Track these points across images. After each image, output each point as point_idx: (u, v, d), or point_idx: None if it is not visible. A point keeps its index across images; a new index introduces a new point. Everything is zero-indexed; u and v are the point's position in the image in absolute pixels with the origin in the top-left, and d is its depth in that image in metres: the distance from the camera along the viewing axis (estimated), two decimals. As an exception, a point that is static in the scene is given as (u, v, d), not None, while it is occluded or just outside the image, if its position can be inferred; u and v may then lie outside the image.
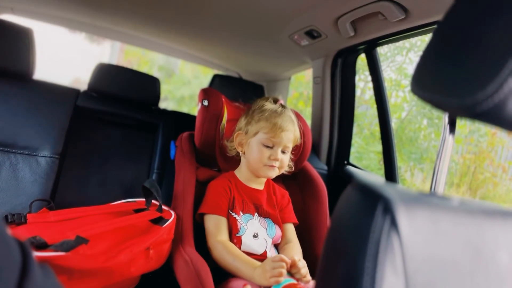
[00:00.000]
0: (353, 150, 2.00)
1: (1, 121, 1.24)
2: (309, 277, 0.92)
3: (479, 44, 0.36)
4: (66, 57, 6.78)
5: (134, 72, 1.65)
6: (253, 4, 1.31)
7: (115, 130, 1.57)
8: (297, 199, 1.28)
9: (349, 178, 1.61)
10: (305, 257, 1.04)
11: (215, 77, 1.99)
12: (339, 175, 1.72)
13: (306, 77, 4.42)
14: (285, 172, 1.16)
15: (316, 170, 1.33)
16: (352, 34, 1.31)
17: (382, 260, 0.31)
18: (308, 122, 1.34)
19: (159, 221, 1.01)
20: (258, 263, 0.94)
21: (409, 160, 3.58)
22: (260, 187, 1.16)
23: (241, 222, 1.06)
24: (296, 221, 1.17)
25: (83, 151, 1.45)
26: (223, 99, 1.23)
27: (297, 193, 1.31)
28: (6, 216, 0.90)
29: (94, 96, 1.55)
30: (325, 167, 1.74)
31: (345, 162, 1.75)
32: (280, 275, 0.85)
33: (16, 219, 0.89)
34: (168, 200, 1.17)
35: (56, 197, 1.31)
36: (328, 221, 1.23)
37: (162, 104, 4.89)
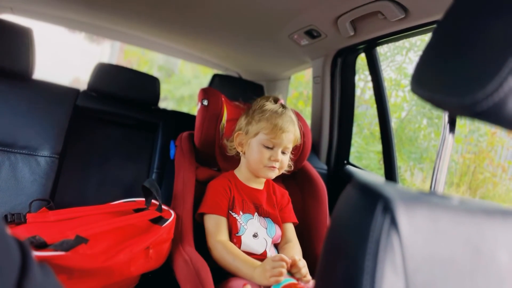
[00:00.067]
0: (353, 150, 2.01)
1: (0, 121, 1.24)
2: (309, 277, 0.92)
3: (479, 43, 0.36)
4: (65, 57, 6.78)
5: (134, 71, 1.64)
6: (253, 3, 1.31)
7: (115, 130, 1.57)
8: (297, 199, 1.28)
9: (349, 178, 1.61)
10: (305, 256, 1.04)
11: (215, 76, 1.99)
12: (339, 175, 1.72)
13: (306, 77, 4.42)
14: (285, 172, 1.15)
15: (316, 170, 1.33)
16: (351, 33, 1.31)
17: (382, 259, 0.31)
18: (308, 122, 1.34)
19: (158, 220, 1.01)
20: (258, 262, 0.94)
21: (409, 159, 3.58)
22: (260, 186, 1.16)
23: (241, 222, 1.06)
24: (296, 220, 1.17)
25: (82, 151, 1.45)
26: (223, 99, 1.23)
27: (297, 192, 1.31)
28: (5, 216, 0.90)
29: (94, 95, 1.55)
30: (325, 167, 1.74)
31: (345, 161, 1.75)
32: (280, 274, 0.85)
33: (16, 219, 0.89)
34: (168, 199, 1.17)
35: (56, 196, 1.31)
36: (328, 221, 1.23)
37: (162, 104, 4.89)
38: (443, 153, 0.55)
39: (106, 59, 7.23)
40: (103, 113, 1.55)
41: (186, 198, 1.10)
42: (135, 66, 6.16)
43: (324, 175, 1.68)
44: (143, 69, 6.38)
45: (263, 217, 1.11)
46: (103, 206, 1.05)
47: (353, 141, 1.81)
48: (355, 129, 1.89)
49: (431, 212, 0.34)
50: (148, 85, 1.63)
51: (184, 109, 6.25)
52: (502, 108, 0.34)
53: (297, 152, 1.24)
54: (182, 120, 1.69)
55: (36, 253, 0.73)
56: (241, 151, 1.14)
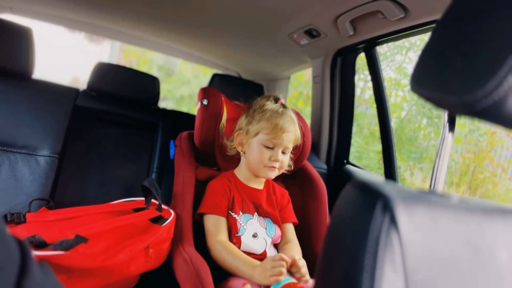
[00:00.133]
0: (352, 149, 2.01)
1: (0, 121, 1.24)
2: (308, 277, 0.92)
3: (478, 42, 0.36)
4: (65, 56, 6.77)
5: (134, 71, 1.64)
6: (252, 3, 1.31)
7: (115, 130, 1.57)
8: (297, 199, 1.28)
9: (349, 177, 1.61)
10: (304, 256, 1.04)
11: (215, 76, 1.99)
12: (338, 175, 1.72)
13: (306, 77, 4.42)
14: (284, 171, 1.15)
15: (315, 169, 1.33)
16: (351, 33, 1.31)
17: (382, 257, 0.31)
18: (308, 122, 1.34)
19: (158, 220, 1.01)
20: (258, 262, 0.94)
21: (409, 159, 3.58)
22: (260, 186, 1.16)
23: (240, 222, 1.06)
24: (296, 220, 1.17)
25: (82, 151, 1.45)
26: (223, 98, 1.23)
27: (297, 192, 1.31)
28: (5, 215, 0.89)
29: (94, 95, 1.55)
30: (325, 166, 1.74)
31: (345, 161, 1.75)
32: (280, 274, 0.85)
33: (16, 218, 0.89)
34: (168, 199, 1.17)
35: (56, 196, 1.31)
36: (327, 220, 1.23)
37: (162, 104, 4.89)
38: (443, 152, 0.55)
39: (105, 59, 7.22)
40: (102, 113, 1.55)
41: (186, 197, 1.10)
42: (134, 66, 6.15)
43: (324, 175, 1.68)
44: (143, 68, 6.37)
45: (263, 217, 1.11)
46: (103, 205, 1.05)
47: (353, 141, 1.81)
48: (355, 128, 1.89)
49: (430, 210, 0.34)
50: (147, 84, 1.63)
51: (184, 108, 6.25)
52: (502, 107, 0.34)
53: (297, 152, 1.24)
54: (181, 120, 1.69)
55: (35, 253, 0.73)
56: (241, 151, 1.14)
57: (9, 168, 1.21)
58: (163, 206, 1.07)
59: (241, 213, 1.07)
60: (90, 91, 1.55)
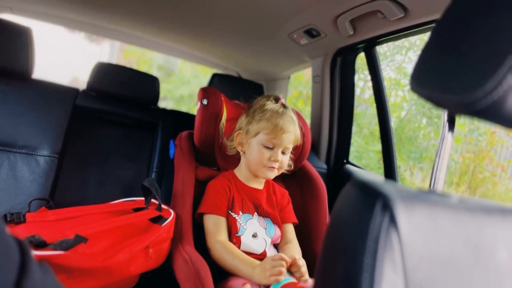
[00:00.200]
0: (352, 149, 2.01)
1: (0, 120, 1.24)
2: (307, 276, 0.92)
3: (478, 41, 0.36)
4: (65, 56, 6.77)
5: (134, 71, 1.64)
6: (252, 3, 1.31)
7: (114, 129, 1.57)
8: (297, 198, 1.28)
9: (349, 177, 1.61)
10: (304, 256, 1.04)
11: (214, 76, 1.99)
12: (338, 174, 1.72)
13: (306, 76, 4.42)
14: (284, 171, 1.15)
15: (315, 169, 1.33)
16: (351, 32, 1.31)
17: (381, 257, 0.31)
18: (308, 121, 1.34)
19: (158, 220, 1.01)
20: (258, 262, 0.94)
21: (409, 159, 3.58)
22: (260, 186, 1.16)
23: (240, 222, 1.06)
24: (296, 220, 1.17)
25: (82, 150, 1.45)
26: (223, 98, 1.23)
27: (297, 192, 1.31)
28: (5, 215, 0.89)
29: (93, 95, 1.54)
30: (325, 166, 1.74)
31: (345, 161, 1.75)
32: (280, 273, 0.85)
33: (15, 218, 0.89)
34: (168, 199, 1.17)
35: (55, 196, 1.31)
36: (327, 220, 1.23)
37: (162, 103, 4.89)
38: (443, 151, 0.55)
39: (105, 59, 7.22)
40: (102, 113, 1.55)
41: (186, 197, 1.10)
42: (134, 66, 6.15)
43: (323, 175, 1.68)
44: (143, 68, 6.37)
45: (263, 217, 1.11)
46: (103, 205, 1.05)
47: (352, 141, 1.81)
48: (354, 128, 1.89)
49: (430, 210, 0.34)
50: (147, 84, 1.63)
51: (184, 108, 6.25)
52: (501, 106, 0.33)
53: (297, 152, 1.24)
54: (181, 120, 1.69)
55: (35, 253, 0.73)
56: (241, 151, 1.14)
57: (9, 168, 1.21)
58: (163, 206, 1.07)
59: (241, 213, 1.07)
60: (90, 91, 1.55)
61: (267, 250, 1.05)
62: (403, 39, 3.03)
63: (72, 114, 1.38)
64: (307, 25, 1.40)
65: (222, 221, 1.05)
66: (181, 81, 6.64)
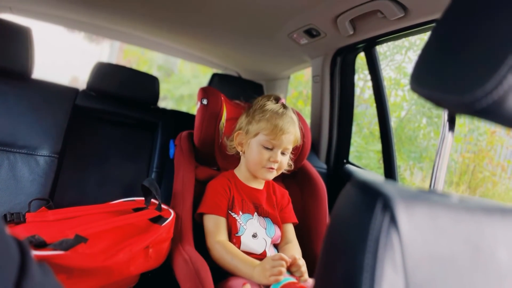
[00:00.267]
0: (352, 149, 2.01)
1: None
2: (306, 276, 0.92)
3: (478, 41, 0.36)
4: (65, 56, 6.77)
5: (133, 71, 1.64)
6: (252, 3, 1.31)
7: (114, 129, 1.57)
8: (297, 198, 1.28)
9: (349, 177, 1.61)
10: (304, 256, 1.04)
11: (214, 76, 1.98)
12: (338, 174, 1.72)
13: (306, 76, 4.42)
14: (284, 171, 1.15)
15: (315, 169, 1.33)
16: (351, 32, 1.31)
17: (382, 257, 0.31)
18: (308, 121, 1.34)
19: (158, 220, 1.01)
20: (258, 262, 0.94)
21: (409, 159, 3.58)
22: (260, 186, 1.16)
23: (240, 222, 1.05)
24: (296, 220, 1.16)
25: (82, 150, 1.45)
26: (222, 98, 1.23)
27: (297, 192, 1.30)
28: (5, 215, 0.89)
29: (93, 95, 1.54)
30: (325, 166, 1.74)
31: (345, 161, 1.75)
32: (280, 273, 0.85)
33: (15, 218, 0.89)
34: (167, 199, 1.17)
35: (55, 196, 1.31)
36: (327, 220, 1.23)
37: (161, 103, 4.89)
38: (443, 151, 0.55)
39: (105, 59, 7.22)
40: (102, 113, 1.55)
41: (186, 197, 1.10)
42: (134, 66, 6.14)
43: (323, 174, 1.68)
44: (143, 68, 6.37)
45: (263, 217, 1.11)
46: (103, 205, 1.05)
47: (352, 141, 1.81)
48: (354, 128, 1.89)
49: (430, 210, 0.34)
50: (147, 84, 1.63)
51: (184, 108, 6.25)
52: (502, 106, 0.33)
53: (297, 152, 1.24)
54: (181, 120, 1.69)
55: (35, 253, 0.73)
56: (241, 151, 1.14)
57: (8, 168, 1.21)
58: (162, 205, 1.07)
59: (241, 213, 1.07)
60: (90, 91, 1.55)
61: (267, 250, 1.05)
62: (403, 39, 3.03)
63: (72, 114, 1.38)
64: (307, 25, 1.40)
65: (222, 221, 1.04)
66: (181, 81, 6.64)
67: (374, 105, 1.56)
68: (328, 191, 1.28)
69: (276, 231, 1.10)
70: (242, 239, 1.03)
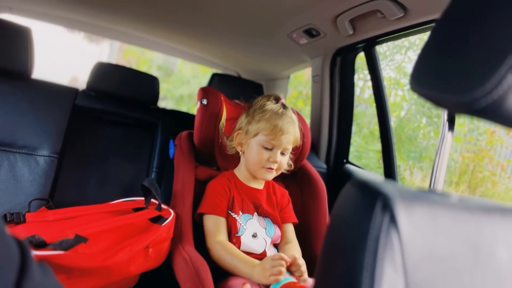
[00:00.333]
0: (352, 149, 2.01)
1: None
2: (306, 276, 0.92)
3: (478, 41, 0.36)
4: (65, 56, 6.77)
5: (133, 71, 1.64)
6: (252, 2, 1.31)
7: (114, 129, 1.57)
8: (297, 198, 1.28)
9: (348, 177, 1.61)
10: (304, 256, 1.04)
11: (214, 76, 1.98)
12: (338, 174, 1.72)
13: (305, 76, 4.42)
14: (284, 171, 1.15)
15: (315, 169, 1.33)
16: (351, 32, 1.31)
17: (382, 256, 0.31)
18: (307, 121, 1.34)
19: (158, 219, 1.01)
20: (257, 261, 0.94)
21: (408, 158, 3.58)
22: (260, 186, 1.16)
23: (240, 222, 1.05)
24: (296, 220, 1.16)
25: (82, 150, 1.45)
26: (222, 98, 1.23)
27: (297, 192, 1.30)
28: (5, 215, 0.89)
29: (93, 95, 1.54)
30: (325, 166, 1.75)
31: (344, 160, 1.75)
32: (280, 273, 0.85)
33: (15, 218, 0.89)
34: (167, 199, 1.17)
35: (55, 196, 1.31)
36: (327, 220, 1.23)
37: (161, 103, 4.89)
38: (442, 151, 0.55)
39: (105, 59, 7.22)
40: (102, 113, 1.55)
41: (186, 197, 1.10)
42: (134, 66, 6.14)
43: (323, 174, 1.68)
44: (142, 68, 6.37)
45: (263, 217, 1.11)
46: (103, 205, 1.05)
47: (352, 140, 1.81)
48: (354, 128, 1.89)
49: (430, 209, 0.34)
50: (147, 84, 1.63)
51: (183, 108, 6.25)
52: (501, 106, 0.33)
53: (297, 152, 1.24)
54: (181, 120, 1.69)
55: (35, 253, 0.73)
56: (241, 151, 1.14)
57: (8, 168, 1.21)
58: (162, 205, 1.07)
59: (241, 213, 1.07)
60: (90, 91, 1.55)
61: (267, 250, 1.05)
62: (403, 39, 3.03)
63: (72, 114, 1.38)
64: (306, 25, 1.40)
65: (222, 221, 1.04)
66: (181, 81, 6.64)
67: (374, 105, 1.56)
68: (328, 191, 1.28)
69: (276, 231, 1.10)
70: (242, 239, 1.03)
